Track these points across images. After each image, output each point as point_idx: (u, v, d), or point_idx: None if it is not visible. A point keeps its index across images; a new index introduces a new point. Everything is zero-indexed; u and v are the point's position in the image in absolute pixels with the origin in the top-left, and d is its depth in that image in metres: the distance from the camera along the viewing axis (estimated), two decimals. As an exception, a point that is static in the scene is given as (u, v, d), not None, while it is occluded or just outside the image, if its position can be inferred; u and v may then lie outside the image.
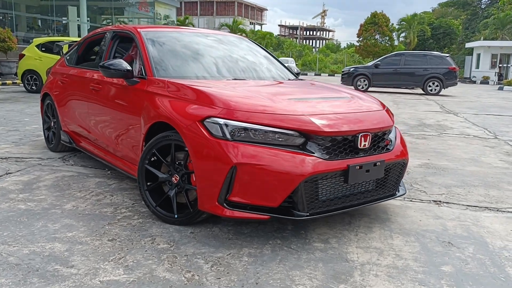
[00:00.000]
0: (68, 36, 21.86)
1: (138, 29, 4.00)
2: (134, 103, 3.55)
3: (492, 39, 38.43)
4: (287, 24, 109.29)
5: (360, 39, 42.19)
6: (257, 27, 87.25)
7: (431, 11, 61.59)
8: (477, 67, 35.24)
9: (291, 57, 47.21)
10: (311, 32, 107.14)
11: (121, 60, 3.61)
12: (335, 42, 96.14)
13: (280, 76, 4.27)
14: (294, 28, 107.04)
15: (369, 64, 19.84)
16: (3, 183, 3.95)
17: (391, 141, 3.27)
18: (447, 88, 18.37)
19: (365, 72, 18.64)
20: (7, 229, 2.94)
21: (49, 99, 5.18)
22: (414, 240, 3.04)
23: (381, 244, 2.95)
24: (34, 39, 12.95)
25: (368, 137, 3.00)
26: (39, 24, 25.00)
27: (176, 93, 3.19)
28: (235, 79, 3.77)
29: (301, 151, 2.77)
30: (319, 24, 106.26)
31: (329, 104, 3.27)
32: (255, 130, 2.76)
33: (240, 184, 2.72)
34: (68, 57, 5.16)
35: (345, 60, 45.85)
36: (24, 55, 12.25)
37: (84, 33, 22.64)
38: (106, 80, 3.93)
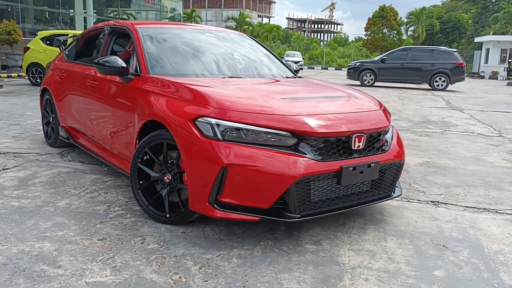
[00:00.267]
0: (74, 29, 21.89)
1: (135, 25, 3.97)
2: (128, 100, 3.52)
3: (502, 33, 38.00)
4: (295, 17, 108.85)
5: (368, 33, 41.87)
6: (265, 20, 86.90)
7: (440, 4, 60.99)
8: (486, 62, 34.87)
9: (298, 50, 46.97)
10: (319, 25, 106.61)
11: (116, 57, 3.58)
12: (343, 36, 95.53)
13: (278, 74, 4.22)
14: (302, 21, 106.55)
15: (376, 58, 19.69)
16: (-1, 179, 3.96)
17: (386, 141, 3.22)
18: (454, 83, 18.18)
19: (371, 67, 18.49)
20: (-2, 227, 2.94)
21: (48, 94, 5.17)
22: (408, 243, 3.00)
23: (374, 247, 2.91)
24: (39, 32, 12.97)
25: (363, 138, 2.95)
26: (47, 16, 25.03)
27: (169, 91, 3.16)
28: (231, 77, 3.73)
29: (293, 152, 2.73)
30: (327, 17, 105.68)
31: (324, 104, 3.22)
32: (247, 130, 2.73)
33: (231, 185, 2.69)
34: (67, 52, 5.14)
35: (353, 54, 45.54)
36: (29, 48, 12.27)
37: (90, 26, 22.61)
38: (102, 77, 3.91)
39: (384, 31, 41.12)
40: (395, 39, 41.31)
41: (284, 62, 4.58)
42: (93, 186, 3.87)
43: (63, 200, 3.49)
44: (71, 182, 3.95)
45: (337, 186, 2.89)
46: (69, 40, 9.03)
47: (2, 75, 14.19)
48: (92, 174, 4.23)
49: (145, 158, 3.18)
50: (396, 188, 3.43)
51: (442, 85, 17.74)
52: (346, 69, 20.00)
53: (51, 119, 5.20)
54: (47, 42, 12.21)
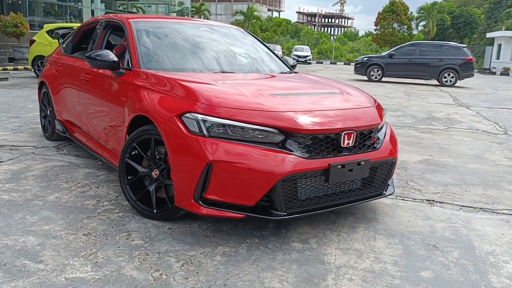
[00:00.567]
0: (82, 22, 21.93)
1: (129, 19, 3.94)
2: (119, 95, 3.49)
3: (515, 29, 37.37)
4: (305, 11, 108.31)
5: (378, 28, 41.49)
6: (275, 14, 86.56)
7: (452, -1, 60.21)
8: (498, 58, 34.33)
9: (307, 45, 46.71)
10: (330, 20, 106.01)
11: (108, 51, 3.55)
12: (353, 30, 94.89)
13: (273, 69, 4.16)
14: (313, 15, 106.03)
15: (384, 53, 19.49)
16: (-8, 172, 3.96)
17: (378, 139, 3.16)
18: (463, 79, 17.94)
19: (379, 62, 18.31)
20: (-15, 221, 2.94)
21: (45, 88, 5.17)
22: (398, 242, 2.94)
23: (362, 246, 2.86)
24: (45, 25, 13.00)
25: (352, 135, 2.89)
26: (56, 9, 25.11)
27: (158, 86, 3.13)
28: (223, 72, 3.68)
29: (280, 149, 2.69)
30: (338, 12, 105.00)
31: (314, 100, 3.17)
32: (234, 126, 2.69)
33: (216, 181, 2.66)
34: (64, 46, 5.13)
35: (362, 49, 45.18)
36: (34, 41, 12.31)
37: (98, 19, 22.61)
38: (95, 71, 3.89)
39: (394, 26, 40.69)
40: (405, 34, 40.86)
41: (281, 57, 4.52)
42: (85, 180, 3.86)
43: (53, 194, 3.48)
44: (64, 176, 3.95)
45: (325, 184, 2.85)
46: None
47: (8, 67, 14.28)
48: (86, 168, 4.22)
49: (133, 153, 3.15)
50: (388, 186, 3.37)
51: (450, 81, 17.52)
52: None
53: (48, 113, 5.20)
54: (53, 35, 12.22)
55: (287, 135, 2.73)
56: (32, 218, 3.01)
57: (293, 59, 24.64)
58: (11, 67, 14.37)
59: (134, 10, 31.49)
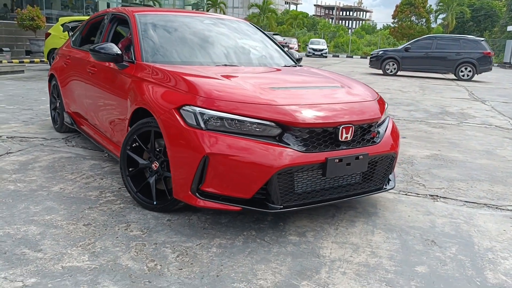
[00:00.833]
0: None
1: (134, 12, 3.97)
2: (123, 87, 3.53)
3: (536, 22, 36.52)
4: (323, 4, 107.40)
5: (395, 21, 40.95)
6: (292, 7, 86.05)
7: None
8: (518, 51, 33.60)
9: (324, 38, 46.38)
10: (348, 13, 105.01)
11: (112, 44, 3.59)
12: (371, 23, 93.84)
13: (277, 62, 4.16)
14: (330, 8, 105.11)
15: (399, 47, 19.25)
16: (1, 163, 4.05)
17: (378, 133, 3.14)
18: (480, 73, 17.63)
19: (395, 56, 18.09)
20: (-11, 210, 3.01)
21: (55, 80, 5.25)
22: (396, 237, 2.93)
23: (359, 240, 2.86)
24: (60, 18, 13.16)
25: (351, 129, 2.88)
26: (73, 2, 25.34)
27: (159, 79, 3.16)
28: (225, 65, 3.69)
29: (276, 143, 2.69)
30: (356, 4, 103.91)
31: (314, 94, 3.16)
32: (231, 120, 2.70)
33: (213, 174, 2.68)
34: (73, 39, 5.20)
35: (379, 42, 44.68)
36: (50, 34, 12.48)
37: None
38: (101, 63, 3.93)
39: (412, 19, 40.12)
40: (424, 27, 40.25)
41: (286, 51, 4.50)
42: (90, 172, 3.92)
43: (58, 185, 3.55)
44: (70, 167, 4.02)
45: (322, 178, 2.85)
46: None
47: (25, 60, 14.51)
48: (92, 160, 4.29)
49: (134, 145, 3.19)
50: (390, 180, 3.36)
51: (467, 75, 17.24)
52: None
53: (57, 105, 5.28)
54: (63, 28, 12.36)
55: (284, 128, 2.74)
56: (35, 208, 3.08)
57: (309, 52, 24.80)
58: (28, 60, 14.60)
59: (151, 3, 31.62)
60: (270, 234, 2.86)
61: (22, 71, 12.02)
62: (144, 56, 3.51)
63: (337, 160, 2.80)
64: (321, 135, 2.81)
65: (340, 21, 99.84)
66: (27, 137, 5.04)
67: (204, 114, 2.71)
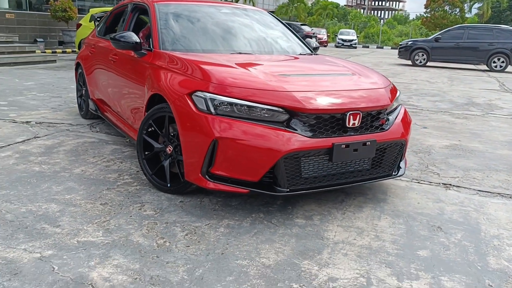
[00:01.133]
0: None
1: (154, 2, 4.09)
2: (141, 75, 3.67)
3: None
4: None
5: (428, 11, 39.99)
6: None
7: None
8: (557, 42, 32.34)
9: (354, 28, 45.76)
10: (380, 2, 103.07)
11: (132, 33, 3.72)
12: (403, 14, 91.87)
13: (292, 51, 4.21)
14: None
15: (429, 37, 18.86)
16: (28, 146, 4.27)
17: (387, 120, 3.17)
18: (514, 64, 17.12)
19: (424, 46, 17.74)
20: (15, 189, 3.21)
21: (81, 68, 5.45)
22: (402, 223, 2.97)
23: (365, 224, 2.91)
24: (90, 10, 13.49)
25: (358, 116, 2.93)
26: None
27: (174, 66, 3.27)
28: (240, 53, 3.78)
29: (283, 128, 2.77)
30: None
31: (324, 81, 3.22)
32: (241, 105, 2.79)
33: (222, 157, 2.78)
34: (98, 28, 5.38)
35: (411, 32, 43.76)
36: (81, 24, 12.80)
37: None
38: (122, 52, 4.08)
39: (445, 8, 39.06)
40: (457, 17, 39.15)
41: (302, 39, 4.55)
42: (111, 156, 4.09)
43: (80, 167, 3.73)
44: (92, 151, 4.20)
45: (329, 163, 2.91)
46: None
47: (57, 50, 14.97)
48: (114, 145, 4.46)
49: (149, 130, 3.32)
50: (400, 168, 3.38)
51: (500, 66, 16.76)
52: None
53: (83, 92, 5.49)
54: (98, 19, 12.65)
55: (292, 114, 2.81)
56: (57, 188, 3.26)
57: (338, 43, 24.59)
58: (60, 50, 15.06)
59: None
60: (277, 217, 2.95)
61: (55, 61, 12.43)
62: (161, 44, 3.63)
63: (344, 146, 2.86)
64: (328, 121, 2.87)
65: (372, 11, 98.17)
66: (54, 123, 5.27)
67: (215, 100, 2.81)
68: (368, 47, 38.95)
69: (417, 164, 4.32)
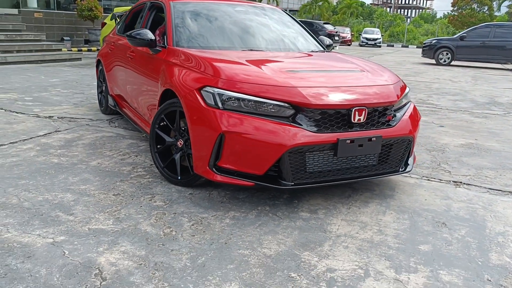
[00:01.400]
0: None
1: (169, 0, 4.20)
2: (156, 71, 3.78)
3: None
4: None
5: (455, 9, 39.24)
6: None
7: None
8: None
9: (379, 27, 45.27)
10: (407, 1, 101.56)
11: (147, 30, 3.84)
12: (431, 12, 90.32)
13: (304, 48, 4.26)
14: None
15: (454, 36, 18.55)
16: (49, 139, 4.44)
17: (394, 116, 3.19)
18: (542, 64, 16.70)
19: (449, 45, 17.46)
20: (34, 179, 3.36)
21: (101, 65, 5.62)
22: (407, 218, 3.00)
23: (369, 219, 2.95)
24: (115, 9, 13.79)
25: (364, 111, 2.97)
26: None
27: (186, 62, 3.37)
28: (252, 50, 3.85)
29: (289, 123, 2.83)
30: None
31: (331, 77, 3.26)
32: (248, 100, 2.86)
33: (229, 151, 2.87)
34: (118, 27, 5.54)
35: (437, 31, 43.01)
36: (105, 23, 13.10)
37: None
38: (138, 49, 4.20)
39: (473, 6, 38.26)
40: (486, 15, 38.30)
41: (315, 37, 4.60)
42: (127, 150, 4.23)
43: (96, 160, 3.87)
44: (109, 145, 4.34)
45: (334, 158, 2.96)
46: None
47: (83, 48, 15.34)
48: (130, 139, 4.60)
49: (162, 124, 3.43)
50: (408, 164, 3.40)
51: (528, 65, 16.37)
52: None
53: (103, 88, 5.66)
54: (118, 17, 12.92)
55: (297, 109, 2.87)
56: (73, 179, 3.40)
57: (362, 42, 24.50)
58: (86, 48, 15.43)
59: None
60: (283, 210, 3.02)
61: (80, 59, 12.75)
62: (174, 41, 3.74)
63: (349, 141, 2.90)
64: (333, 117, 2.92)
65: (399, 10, 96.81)
66: (75, 118, 5.45)
67: (223, 95, 2.89)
68: (393, 46, 38.48)
69: (429, 162, 4.31)
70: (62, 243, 2.42)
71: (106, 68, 5.36)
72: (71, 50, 14.25)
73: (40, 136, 4.57)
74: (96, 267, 2.22)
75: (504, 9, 44.77)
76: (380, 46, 34.82)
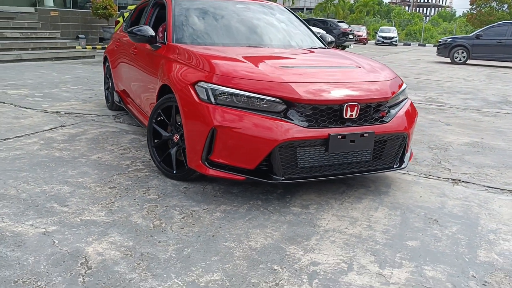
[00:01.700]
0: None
1: (171, -3, 4.24)
2: (156, 67, 3.83)
3: None
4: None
5: (474, 7, 38.64)
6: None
7: None
8: None
9: (396, 26, 44.84)
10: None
11: (147, 27, 3.89)
12: (450, 10, 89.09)
13: (304, 44, 4.27)
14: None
15: (470, 34, 18.28)
16: (54, 134, 4.53)
17: (388, 112, 3.19)
18: (561, 63, 16.36)
19: (464, 43, 17.22)
20: (34, 171, 3.44)
21: (107, 62, 5.71)
22: (398, 214, 2.99)
23: (360, 215, 2.95)
24: (128, 7, 13.94)
25: (356, 107, 2.97)
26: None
27: (183, 58, 3.41)
28: (250, 46, 3.88)
29: (280, 118, 2.85)
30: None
31: (325, 73, 3.27)
32: (240, 95, 2.89)
33: (220, 145, 2.90)
34: (125, 23, 5.62)
35: (455, 30, 42.41)
36: (118, 21, 13.25)
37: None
38: (141, 45, 4.26)
39: (492, 4, 37.62)
40: (505, 13, 37.61)
41: (317, 34, 4.60)
42: (128, 144, 4.29)
43: (97, 154, 3.94)
44: (111, 140, 4.41)
45: (325, 153, 2.96)
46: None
47: (97, 46, 15.53)
48: (133, 135, 4.67)
49: (159, 119, 3.48)
50: (403, 161, 3.39)
51: (546, 64, 16.05)
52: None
53: (110, 84, 5.74)
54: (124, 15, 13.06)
55: (289, 105, 2.89)
56: (72, 172, 3.47)
57: (378, 40, 24.29)
58: (100, 46, 15.62)
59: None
60: (274, 205, 3.04)
61: (93, 56, 12.94)
62: (174, 37, 3.79)
63: (340, 137, 2.91)
64: (325, 112, 2.93)
65: (418, 8, 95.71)
66: (81, 113, 5.55)
67: (216, 90, 2.93)
68: (409, 44, 38.08)
69: (430, 159, 4.28)
70: (53, 233, 2.49)
71: (112, 64, 5.45)
72: (86, 48, 14.45)
73: (45, 130, 4.67)
74: (83, 256, 2.27)
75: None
76: (396, 45, 34.47)
